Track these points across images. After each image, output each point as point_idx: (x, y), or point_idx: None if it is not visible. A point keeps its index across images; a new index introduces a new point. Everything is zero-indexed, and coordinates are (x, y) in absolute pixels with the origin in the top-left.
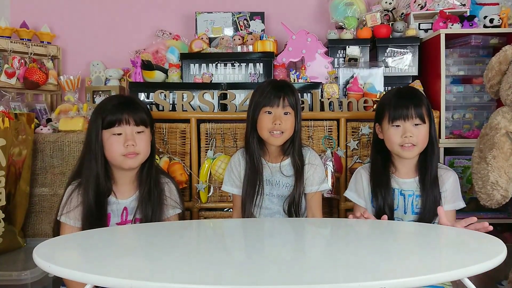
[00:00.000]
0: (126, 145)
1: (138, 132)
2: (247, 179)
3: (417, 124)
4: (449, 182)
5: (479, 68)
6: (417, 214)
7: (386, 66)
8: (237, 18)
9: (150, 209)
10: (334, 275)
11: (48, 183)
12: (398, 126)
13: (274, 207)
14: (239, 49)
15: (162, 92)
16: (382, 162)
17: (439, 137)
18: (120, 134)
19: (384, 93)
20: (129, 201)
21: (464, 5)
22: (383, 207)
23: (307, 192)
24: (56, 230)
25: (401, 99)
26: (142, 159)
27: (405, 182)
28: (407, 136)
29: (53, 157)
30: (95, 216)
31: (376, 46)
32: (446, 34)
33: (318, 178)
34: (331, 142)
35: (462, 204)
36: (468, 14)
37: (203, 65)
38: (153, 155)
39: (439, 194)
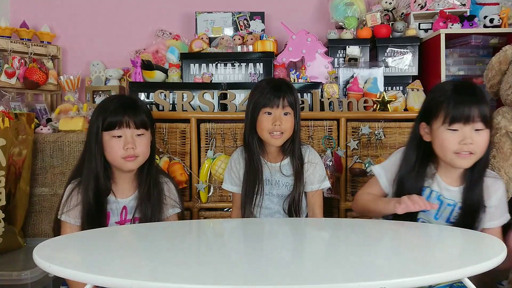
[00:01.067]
0: (125, 148)
1: (138, 135)
2: (247, 179)
3: (478, 130)
4: (496, 196)
5: (479, 68)
6: (451, 223)
7: (386, 66)
8: (237, 18)
9: (149, 209)
10: (334, 275)
11: (48, 183)
12: (456, 130)
13: (274, 207)
14: (239, 49)
15: (162, 92)
16: (418, 163)
17: None
18: (120, 136)
19: (437, 85)
20: (128, 200)
21: (464, 5)
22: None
23: (307, 191)
24: (57, 229)
25: (461, 97)
26: (141, 161)
27: (449, 190)
28: (466, 143)
29: (53, 157)
30: (95, 215)
31: (376, 46)
32: (446, 34)
33: (319, 176)
34: (331, 142)
35: (508, 217)
36: (468, 14)
37: (203, 65)
38: (153, 155)
39: (484, 208)
